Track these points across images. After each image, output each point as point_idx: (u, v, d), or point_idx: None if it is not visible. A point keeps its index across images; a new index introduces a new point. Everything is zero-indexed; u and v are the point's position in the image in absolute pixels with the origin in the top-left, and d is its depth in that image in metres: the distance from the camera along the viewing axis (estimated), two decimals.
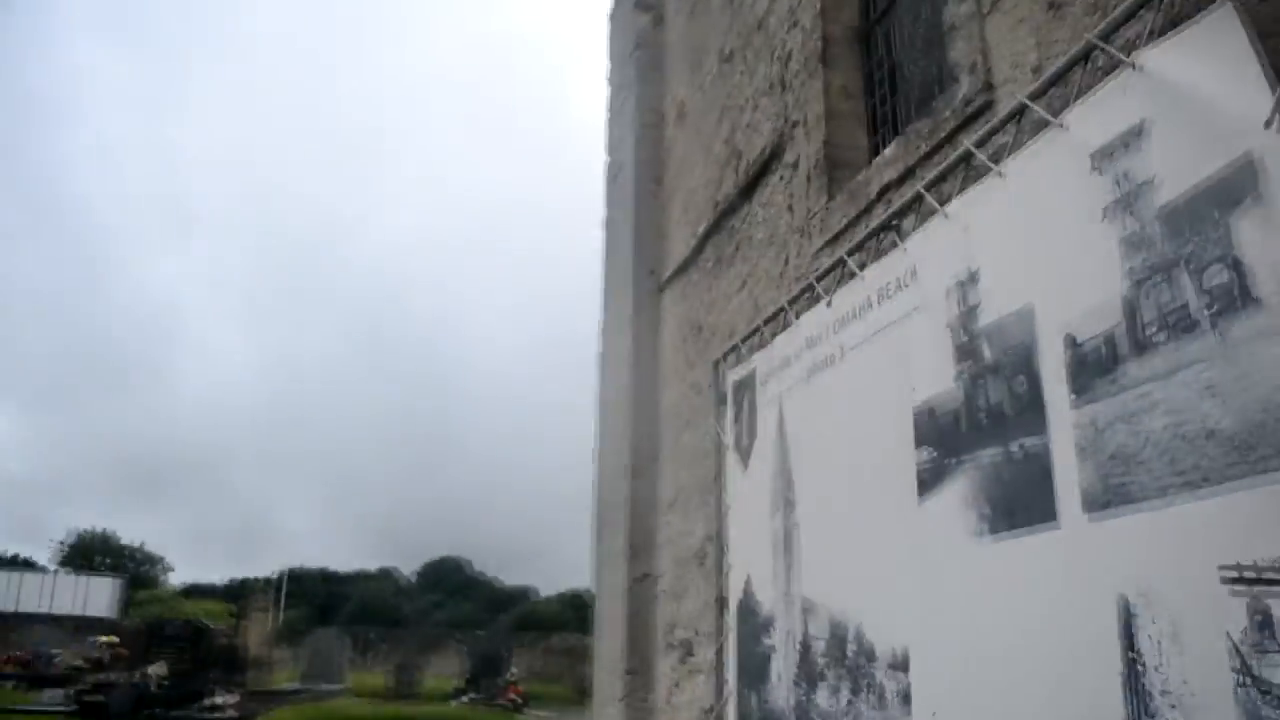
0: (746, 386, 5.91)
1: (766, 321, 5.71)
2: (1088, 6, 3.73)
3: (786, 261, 5.91)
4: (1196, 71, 3.10)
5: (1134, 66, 3.29)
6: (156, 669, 29.12)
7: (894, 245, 4.65)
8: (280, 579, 60.45)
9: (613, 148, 9.10)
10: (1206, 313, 2.93)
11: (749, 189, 6.59)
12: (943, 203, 4.26)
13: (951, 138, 4.41)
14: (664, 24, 8.91)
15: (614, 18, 9.61)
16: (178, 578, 79.00)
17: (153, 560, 78.43)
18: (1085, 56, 3.56)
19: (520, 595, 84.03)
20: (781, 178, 6.14)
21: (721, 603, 5.86)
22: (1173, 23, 3.28)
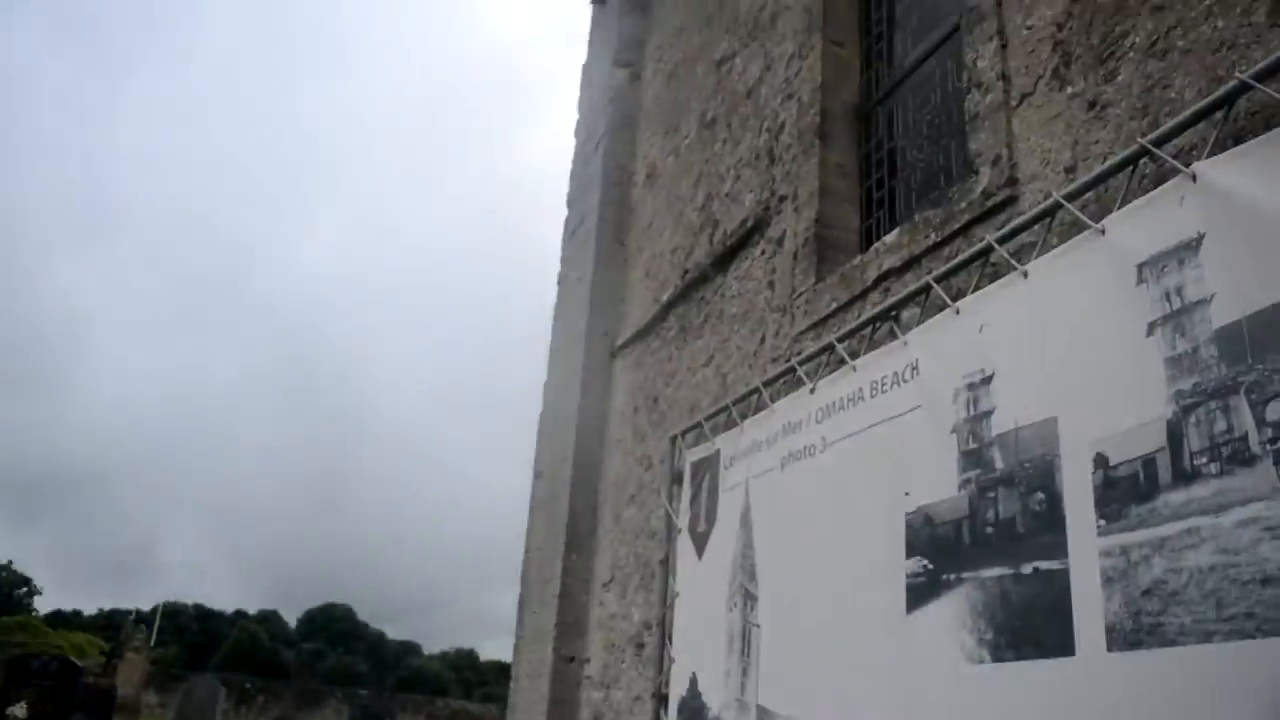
0: (708, 467, 5.58)
1: (737, 401, 5.41)
2: (1133, 110, 3.54)
3: (763, 340, 5.62)
4: (1261, 189, 2.88)
5: (1192, 177, 3.09)
6: (16, 710, 27.14)
7: (892, 336, 4.39)
8: (154, 613, 57.67)
9: (574, 201, 8.81)
10: (1269, 448, 2.70)
11: (725, 260, 6.32)
12: (954, 298, 4.02)
13: (966, 230, 4.19)
14: (640, 82, 8.70)
15: (587, 69, 9.38)
16: (45, 603, 74.92)
17: (18, 582, 74.20)
18: (1132, 161, 3.36)
19: (406, 650, 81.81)
20: (763, 252, 5.88)
21: (660, 699, 5.44)
22: (1235, 136, 3.11)
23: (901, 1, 5.65)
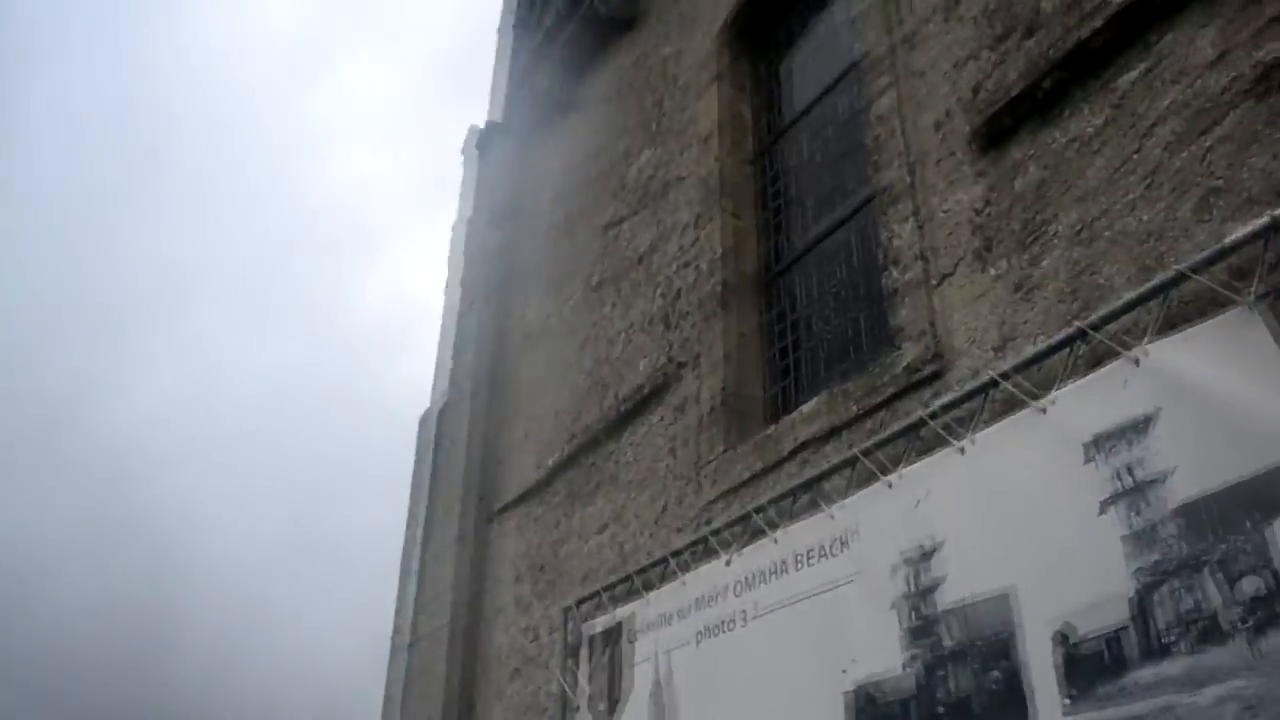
0: (610, 640, 5.34)
1: (641, 571, 5.25)
2: (1062, 293, 3.70)
3: (665, 508, 5.51)
4: (1211, 372, 3.03)
5: (1136, 360, 3.22)
6: None
7: (815, 507, 4.36)
8: None
9: (450, 360, 8.59)
10: (1241, 625, 2.74)
11: (619, 425, 6.23)
12: (882, 469, 4.03)
13: (891, 403, 4.25)
14: (517, 242, 8.69)
15: (460, 226, 9.33)
16: None
17: None
18: (1069, 343, 3.49)
19: None
20: (662, 418, 5.83)
21: None
22: (1170, 321, 3.26)
23: (799, 178, 5.86)
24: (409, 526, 10.36)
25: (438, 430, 8.28)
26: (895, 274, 4.43)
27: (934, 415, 3.87)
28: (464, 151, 10.01)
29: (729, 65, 6.55)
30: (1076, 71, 3.90)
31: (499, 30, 16.70)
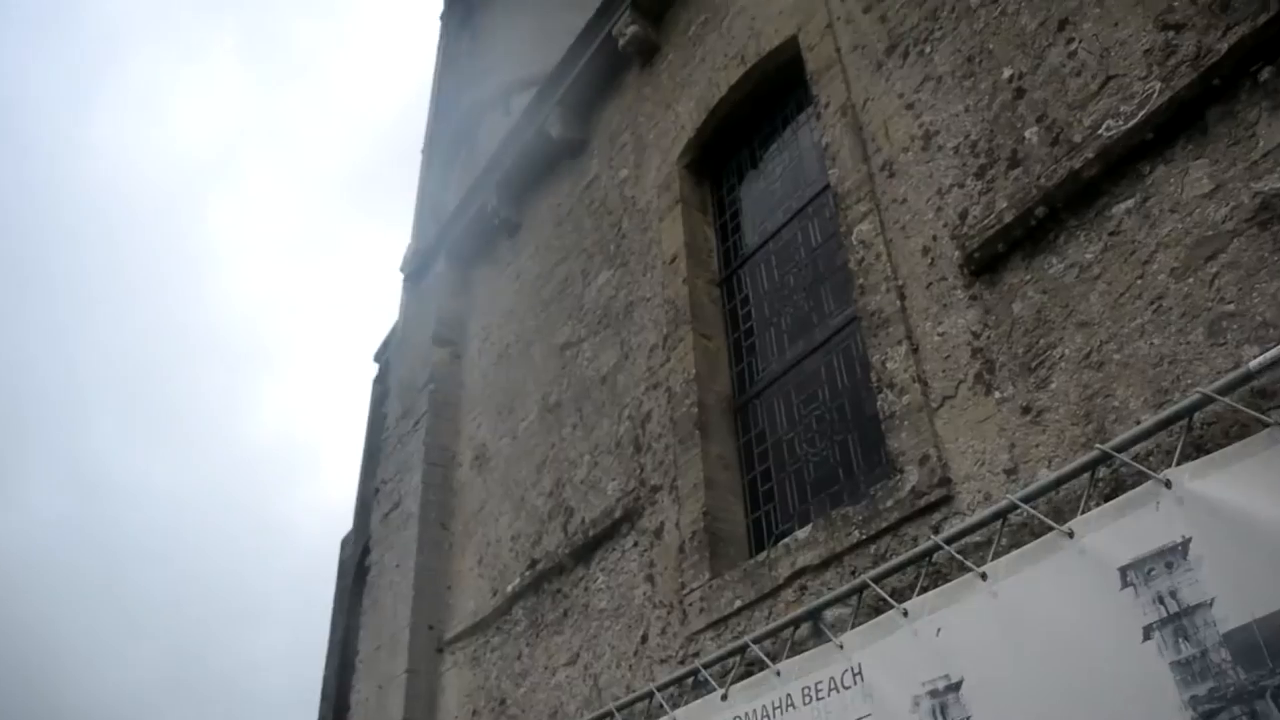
0: None
1: (622, 706, 5.01)
2: (1075, 416, 3.72)
3: (645, 639, 5.30)
4: (1245, 494, 3.03)
5: (1167, 483, 3.23)
6: None
7: (818, 637, 4.24)
8: None
9: (389, 482, 8.29)
10: None
11: (586, 551, 6.04)
12: (894, 599, 3.94)
13: (896, 529, 4.19)
14: (463, 361, 8.53)
15: (402, 345, 9.14)
16: None
17: None
18: (1090, 467, 3.50)
19: None
20: (636, 544, 5.66)
21: None
22: (1196, 445, 3.29)
23: (770, 300, 5.88)
24: (329, 656, 9.85)
25: (373, 554, 7.91)
26: (891, 397, 4.42)
27: (950, 540, 3.83)
28: (403, 269, 9.88)
29: (691, 189, 6.62)
30: (1069, 201, 4.01)
31: (422, 150, 16.83)
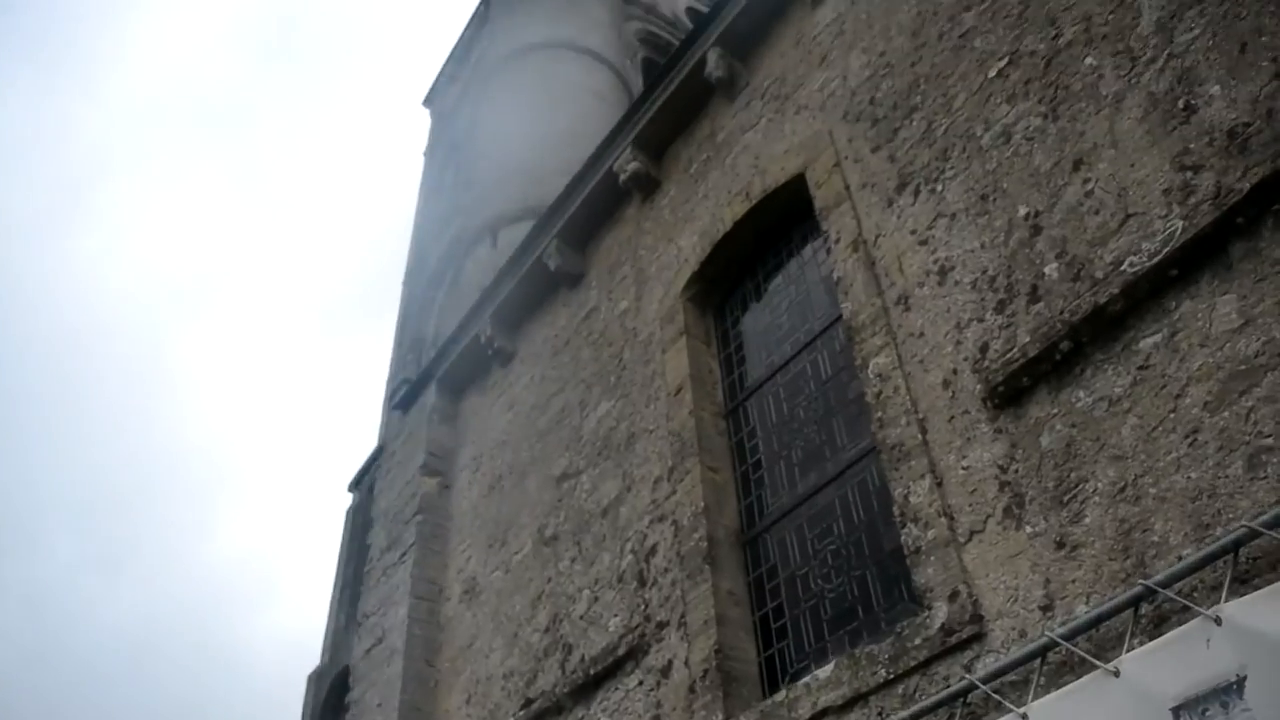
0: None
1: None
2: (1112, 551, 3.65)
3: None
4: None
5: (1217, 618, 3.15)
6: None
7: None
8: None
9: (370, 616, 8.00)
10: None
11: (586, 690, 5.80)
12: None
13: (926, 667, 4.05)
14: (452, 491, 8.36)
15: (389, 475, 8.97)
16: None
17: None
18: (1134, 603, 3.42)
19: None
20: (642, 683, 5.45)
21: None
22: (1241, 579, 3.24)
23: (779, 433, 5.83)
24: None
25: (354, 691, 7.58)
26: (915, 531, 4.34)
27: (986, 679, 3.70)
28: (392, 402, 9.78)
29: (695, 320, 6.64)
30: (1095, 335, 4.03)
31: (404, 282, 16.94)
